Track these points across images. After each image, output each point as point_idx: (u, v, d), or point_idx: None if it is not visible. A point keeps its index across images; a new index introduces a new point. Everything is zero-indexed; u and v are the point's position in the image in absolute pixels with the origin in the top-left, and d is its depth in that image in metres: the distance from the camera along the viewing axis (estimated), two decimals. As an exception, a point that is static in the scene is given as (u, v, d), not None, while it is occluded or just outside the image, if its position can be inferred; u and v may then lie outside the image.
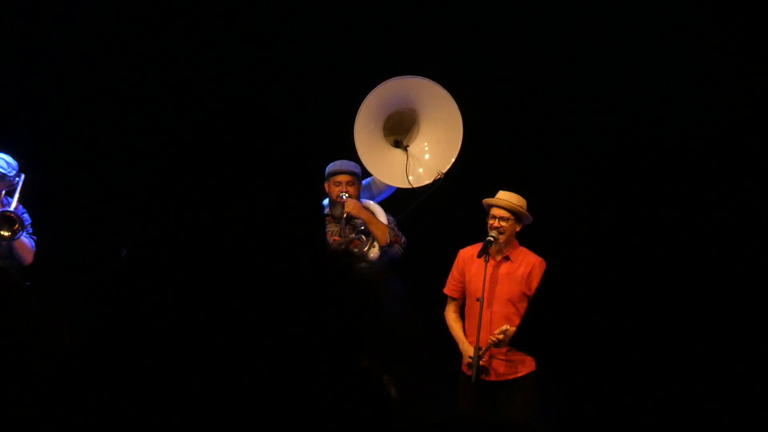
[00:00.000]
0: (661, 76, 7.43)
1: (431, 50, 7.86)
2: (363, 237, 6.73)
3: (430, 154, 7.16)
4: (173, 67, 7.87)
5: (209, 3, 8.03)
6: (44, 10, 7.85)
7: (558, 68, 7.88)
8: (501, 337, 5.99)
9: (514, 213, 6.17)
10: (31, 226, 6.38)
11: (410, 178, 7.07)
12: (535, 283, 6.14)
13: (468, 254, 6.31)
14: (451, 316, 6.34)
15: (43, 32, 7.86)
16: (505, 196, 6.23)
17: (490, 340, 6.03)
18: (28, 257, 6.27)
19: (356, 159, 6.91)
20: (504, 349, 6.10)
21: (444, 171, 7.04)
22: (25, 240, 6.27)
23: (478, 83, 7.83)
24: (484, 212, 6.30)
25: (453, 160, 7.06)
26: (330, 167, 6.77)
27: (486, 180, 7.00)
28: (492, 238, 6.13)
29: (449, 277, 6.37)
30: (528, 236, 6.37)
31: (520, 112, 7.98)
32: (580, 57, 7.82)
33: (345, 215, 6.66)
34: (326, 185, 6.77)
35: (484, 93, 7.84)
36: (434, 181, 7.05)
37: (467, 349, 6.14)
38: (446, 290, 6.38)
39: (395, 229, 6.75)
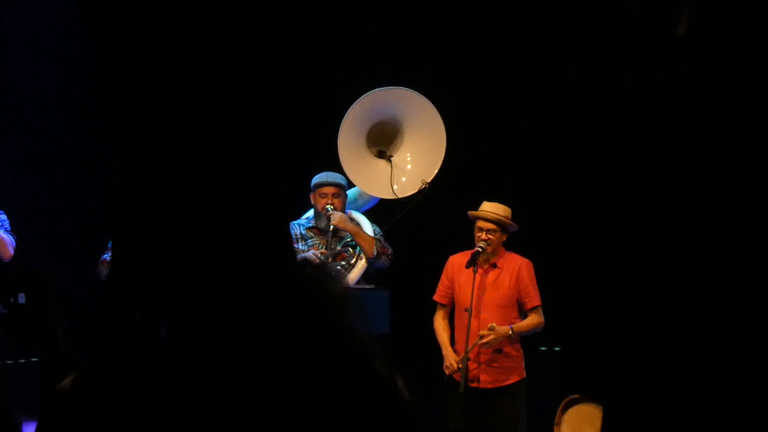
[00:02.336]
0: (641, 86, 7.48)
1: (413, 60, 7.88)
2: (350, 249, 6.74)
3: (413, 164, 7.17)
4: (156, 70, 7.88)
5: (202, 8, 8.02)
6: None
7: (540, 76, 7.91)
8: (488, 334, 6.03)
9: (500, 224, 6.21)
10: (10, 225, 6.51)
11: (395, 188, 7.08)
12: (523, 284, 6.20)
13: (458, 261, 6.32)
14: (439, 323, 6.37)
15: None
16: (490, 208, 6.25)
17: (477, 337, 6.06)
18: (5, 252, 6.39)
19: (341, 170, 6.92)
20: (493, 357, 6.14)
21: (428, 180, 7.06)
22: (3, 236, 6.37)
23: (460, 92, 7.85)
24: (471, 222, 6.32)
25: (437, 169, 7.08)
26: (316, 179, 6.77)
27: (471, 188, 7.04)
28: (480, 249, 6.17)
29: (439, 283, 6.40)
30: (517, 242, 6.41)
31: (502, 119, 8.01)
32: (562, 65, 7.86)
33: (331, 228, 6.66)
34: (312, 197, 6.77)
35: (466, 101, 7.86)
36: (419, 191, 7.07)
37: (449, 355, 6.18)
38: (436, 297, 6.41)
39: (382, 240, 6.75)
